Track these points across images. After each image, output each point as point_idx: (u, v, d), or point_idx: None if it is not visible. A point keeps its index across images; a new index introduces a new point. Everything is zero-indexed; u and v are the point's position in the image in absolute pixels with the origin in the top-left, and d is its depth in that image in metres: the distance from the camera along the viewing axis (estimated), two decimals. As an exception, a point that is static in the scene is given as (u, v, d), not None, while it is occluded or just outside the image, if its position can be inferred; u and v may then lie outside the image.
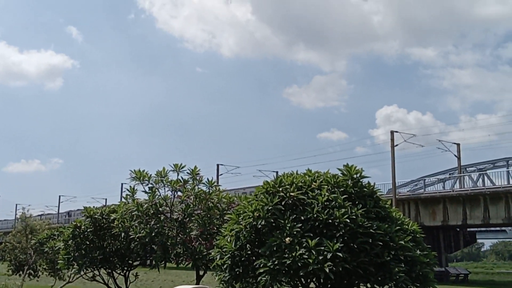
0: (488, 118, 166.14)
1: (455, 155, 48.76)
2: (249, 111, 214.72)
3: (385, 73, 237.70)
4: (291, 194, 8.62)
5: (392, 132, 44.82)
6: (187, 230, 13.12)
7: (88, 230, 14.65)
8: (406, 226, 8.92)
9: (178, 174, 13.46)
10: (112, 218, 14.25)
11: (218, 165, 60.82)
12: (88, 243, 14.77)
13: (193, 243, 13.23)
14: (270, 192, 8.83)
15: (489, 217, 38.42)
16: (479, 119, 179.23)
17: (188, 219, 13.27)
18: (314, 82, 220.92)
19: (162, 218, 13.20)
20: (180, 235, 13.15)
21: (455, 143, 50.79)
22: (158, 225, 12.84)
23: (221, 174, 60.25)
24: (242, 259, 8.80)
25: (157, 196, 13.26)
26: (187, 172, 13.64)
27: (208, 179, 13.95)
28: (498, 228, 78.86)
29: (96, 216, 14.65)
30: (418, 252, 8.40)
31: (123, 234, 13.62)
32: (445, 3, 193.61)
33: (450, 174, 49.82)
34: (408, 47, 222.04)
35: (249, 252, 8.80)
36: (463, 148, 50.40)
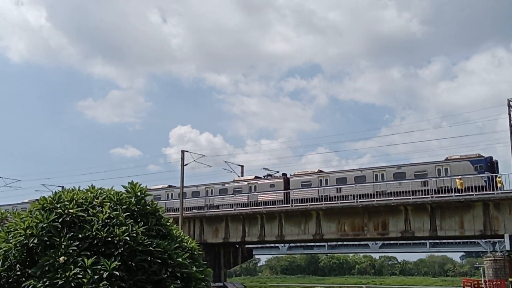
0: (270, 143, 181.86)
1: (238, 176, 52.16)
2: (36, 121, 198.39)
3: (181, 94, 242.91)
4: (70, 210, 8.25)
5: (182, 152, 46.08)
6: None
7: None
8: (185, 244, 9.25)
9: None
10: None
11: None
12: None
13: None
14: (47, 208, 8.32)
15: (265, 234, 41.76)
16: (263, 144, 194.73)
17: None
18: (111, 96, 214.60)
19: None
20: None
21: (239, 165, 54.56)
22: None
23: (-2, 187, 54.41)
24: (10, 280, 8.08)
25: None
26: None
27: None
28: (272, 245, 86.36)
29: None
30: (194, 268, 8.74)
31: None
32: (239, 35, 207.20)
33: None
34: (204, 72, 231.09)
35: (19, 273, 8.12)
36: (247, 170, 54.42)
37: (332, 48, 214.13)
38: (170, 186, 52.03)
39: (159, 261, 8.15)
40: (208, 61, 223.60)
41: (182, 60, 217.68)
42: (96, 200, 8.69)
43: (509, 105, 32.57)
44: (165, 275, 8.08)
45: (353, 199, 38.52)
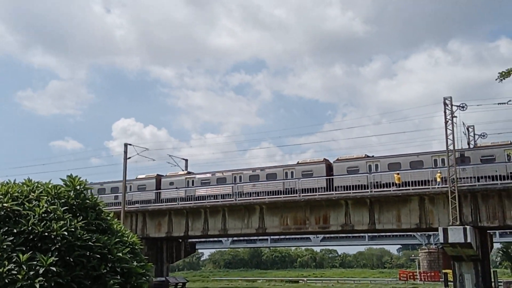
0: (215, 137, 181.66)
1: (183, 170, 51.78)
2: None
3: (125, 87, 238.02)
4: (4, 204, 7.96)
5: (126, 145, 45.18)
6: None
7: None
8: (126, 238, 9.12)
9: None
10: None
11: None
12: None
13: None
14: (-21, 202, 7.98)
15: (208, 228, 41.71)
16: (208, 138, 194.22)
17: None
18: (51, 87, 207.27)
19: None
20: None
21: (184, 159, 54.15)
22: None
23: None
24: None
25: None
26: None
27: None
28: (215, 239, 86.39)
29: None
30: (135, 263, 8.64)
31: None
32: (185, 28, 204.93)
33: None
34: (149, 64, 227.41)
35: None
36: (191, 164, 54.16)
37: (277, 44, 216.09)
38: (189, 172, 50.09)
39: (99, 256, 8.00)
40: (153, 53, 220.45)
41: (126, 52, 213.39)
42: (33, 194, 8.42)
43: (445, 104, 33.93)
44: (105, 271, 7.94)
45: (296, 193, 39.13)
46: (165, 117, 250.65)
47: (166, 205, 44.30)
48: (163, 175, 49.02)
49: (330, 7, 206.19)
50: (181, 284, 48.54)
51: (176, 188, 45.95)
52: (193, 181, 46.11)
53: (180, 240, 48.56)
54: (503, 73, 15.19)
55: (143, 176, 49.79)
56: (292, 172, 41.70)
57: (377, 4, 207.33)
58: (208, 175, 45.89)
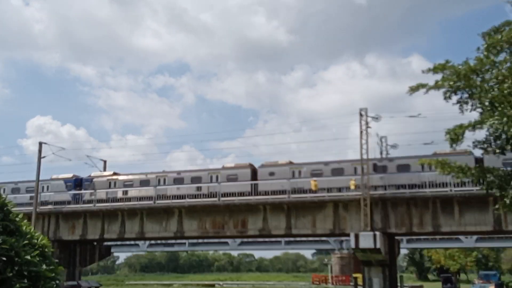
0: (137, 139, 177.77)
1: (100, 171, 50.32)
2: None
3: (42, 83, 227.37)
4: None
5: (40, 143, 43.30)
6: None
7: None
8: (36, 240, 8.83)
9: None
10: None
11: None
12: None
13: None
14: None
15: (125, 231, 40.76)
16: (129, 139, 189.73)
17: None
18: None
19: None
20: None
21: (102, 160, 52.69)
22: None
23: None
24: None
25: None
26: None
27: None
28: (132, 242, 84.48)
29: None
30: (44, 267, 8.39)
31: None
32: (108, 27, 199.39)
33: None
34: (69, 61, 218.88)
35: None
36: (110, 165, 52.74)
37: (202, 48, 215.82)
38: (115, 173, 47.91)
39: (5, 259, 7.70)
40: (73, 50, 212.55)
41: (45, 47, 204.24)
42: None
43: (360, 114, 35.46)
44: (11, 274, 7.66)
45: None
46: (85, 117, 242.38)
47: (81, 206, 42.77)
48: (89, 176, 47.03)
49: (255, 15, 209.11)
50: (93, 288, 47.06)
51: (89, 189, 44.47)
52: (115, 183, 44.84)
53: (95, 243, 47.06)
54: (413, 88, 16.14)
55: (62, 176, 47.52)
56: (217, 176, 41.68)
57: (301, 15, 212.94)
58: (131, 176, 44.85)
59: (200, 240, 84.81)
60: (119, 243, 67.48)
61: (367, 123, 35.41)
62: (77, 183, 46.10)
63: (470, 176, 15.93)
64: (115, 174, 46.48)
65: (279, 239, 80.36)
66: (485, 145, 15.67)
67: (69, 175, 47.21)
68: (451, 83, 15.03)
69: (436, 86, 15.40)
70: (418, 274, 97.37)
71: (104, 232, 41.26)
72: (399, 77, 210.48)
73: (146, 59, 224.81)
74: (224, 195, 39.04)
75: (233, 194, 38.98)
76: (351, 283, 59.48)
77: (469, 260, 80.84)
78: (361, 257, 34.58)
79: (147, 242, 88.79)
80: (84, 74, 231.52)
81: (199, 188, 41.13)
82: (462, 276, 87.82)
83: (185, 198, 40.24)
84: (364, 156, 34.87)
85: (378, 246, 32.56)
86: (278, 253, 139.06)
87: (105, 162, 52.74)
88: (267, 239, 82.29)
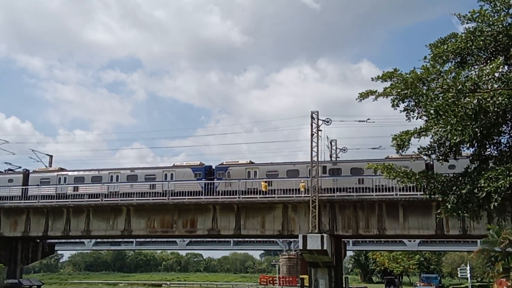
0: (85, 134, 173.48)
1: (46, 166, 48.97)
2: None
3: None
4: None
5: (-19, 135, 41.65)
6: None
7: None
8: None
9: None
10: None
11: None
12: None
13: None
14: None
15: (70, 229, 39.74)
16: (77, 135, 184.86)
17: None
18: None
19: None
20: None
21: (48, 155, 51.25)
22: None
23: None
24: None
25: None
26: None
27: None
28: (77, 240, 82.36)
29: None
30: (-16, 262, 8.14)
31: None
32: (57, 18, 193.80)
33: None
34: (15, 52, 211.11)
35: None
36: (57, 160, 51.37)
37: (155, 45, 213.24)
38: (61, 169, 45.90)
39: None
40: (21, 41, 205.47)
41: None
42: None
43: (312, 117, 35.99)
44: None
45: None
46: (31, 110, 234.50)
47: (24, 202, 41.44)
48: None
49: (210, 14, 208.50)
50: (35, 286, 45.76)
51: (37, 185, 43.12)
52: (65, 178, 43.42)
53: (38, 241, 45.62)
54: (362, 94, 16.51)
55: (188, 163, 43.11)
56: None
57: (256, 17, 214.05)
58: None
59: (147, 239, 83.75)
60: (63, 240, 65.57)
61: (318, 126, 35.99)
62: (207, 171, 41.34)
63: (414, 181, 16.42)
64: (61, 169, 45.24)
65: (228, 239, 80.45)
66: (429, 152, 16.24)
67: (196, 163, 42.59)
68: (399, 90, 15.48)
69: (385, 94, 15.80)
70: (362, 276, 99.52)
71: (48, 229, 40.14)
72: (349, 82, 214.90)
73: (97, 53, 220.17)
74: (176, 194, 38.73)
75: (183, 194, 38.71)
76: (298, 284, 60.20)
77: (412, 263, 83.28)
78: (308, 258, 35.11)
79: (93, 241, 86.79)
80: (31, 65, 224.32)
81: (152, 186, 40.62)
82: (405, 279, 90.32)
83: (134, 196, 39.67)
84: (315, 159, 35.41)
85: (325, 247, 33.15)
86: (226, 253, 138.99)
87: (51, 157, 51.42)
88: (215, 239, 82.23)
